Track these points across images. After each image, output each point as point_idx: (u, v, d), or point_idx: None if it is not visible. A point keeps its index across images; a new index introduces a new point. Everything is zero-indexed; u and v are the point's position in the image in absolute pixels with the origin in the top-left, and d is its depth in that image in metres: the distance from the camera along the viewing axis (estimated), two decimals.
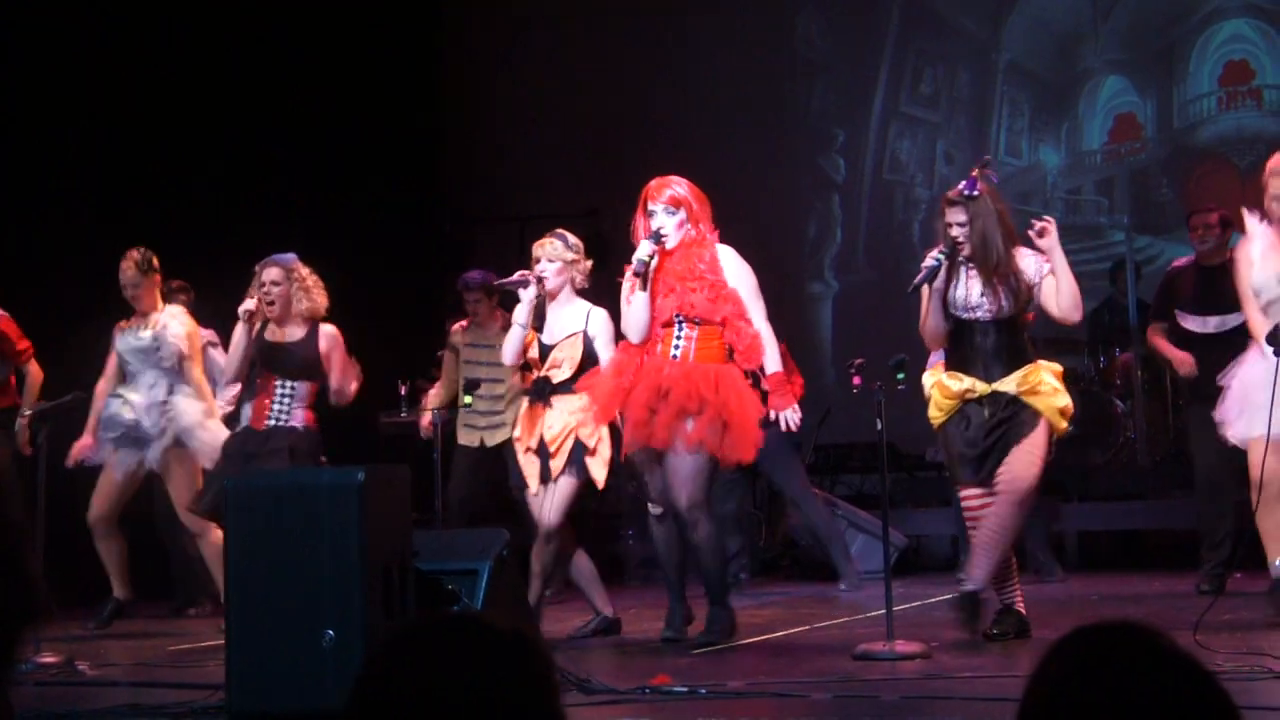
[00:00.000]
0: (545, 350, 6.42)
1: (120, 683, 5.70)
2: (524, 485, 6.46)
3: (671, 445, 6.09)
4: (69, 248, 9.24)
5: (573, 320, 6.42)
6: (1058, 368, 6.12)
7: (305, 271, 6.98)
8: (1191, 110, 11.71)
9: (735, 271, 6.22)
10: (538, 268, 6.44)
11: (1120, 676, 1.50)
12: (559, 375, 6.39)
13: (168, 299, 7.78)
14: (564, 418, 6.33)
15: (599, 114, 12.33)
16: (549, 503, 6.32)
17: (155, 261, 7.60)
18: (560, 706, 1.63)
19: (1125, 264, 10.53)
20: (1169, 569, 8.39)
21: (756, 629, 6.76)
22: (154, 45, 10.08)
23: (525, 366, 6.62)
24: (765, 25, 12.73)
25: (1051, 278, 5.92)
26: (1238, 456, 7.60)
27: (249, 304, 6.81)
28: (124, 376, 7.62)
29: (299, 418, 6.91)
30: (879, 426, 5.71)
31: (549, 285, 6.44)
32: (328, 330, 6.97)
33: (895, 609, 5.74)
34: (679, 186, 6.24)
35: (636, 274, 6.14)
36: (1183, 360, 7.59)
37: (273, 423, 6.86)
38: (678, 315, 6.17)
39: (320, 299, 6.98)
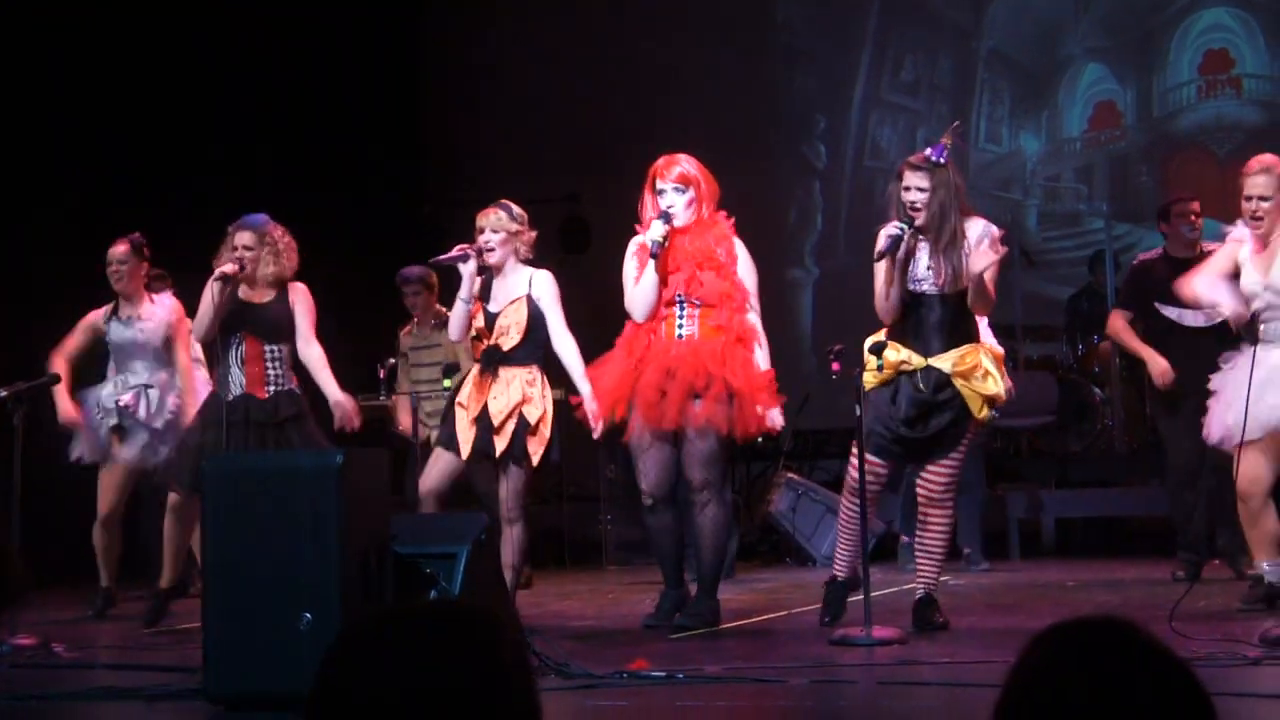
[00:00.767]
0: (491, 319, 6.28)
1: (96, 665, 5.69)
2: (454, 449, 6.29)
3: (682, 425, 6.08)
4: (40, 230, 9.19)
5: (517, 286, 6.29)
6: (999, 351, 6.05)
7: (279, 234, 6.81)
8: (1171, 98, 11.74)
9: (745, 265, 6.26)
10: (481, 239, 6.27)
11: (1099, 671, 1.51)
12: (507, 343, 6.27)
13: (147, 288, 7.74)
14: (509, 393, 6.20)
15: (579, 98, 12.31)
16: (505, 492, 6.22)
17: (146, 250, 7.56)
18: (534, 690, 1.61)
19: (1104, 253, 10.56)
20: (1146, 556, 8.42)
21: (735, 614, 6.77)
22: (127, 28, 10.03)
23: (475, 337, 6.49)
24: (747, 11, 12.72)
25: (982, 247, 5.77)
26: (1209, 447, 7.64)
27: (228, 267, 6.65)
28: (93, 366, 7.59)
29: (291, 381, 6.79)
30: (858, 412, 5.71)
31: (494, 258, 6.27)
32: (298, 287, 6.83)
33: (873, 594, 5.75)
34: (688, 165, 6.23)
35: (653, 255, 6.11)
36: (1162, 371, 7.50)
37: (273, 389, 6.74)
38: (680, 295, 6.15)
39: (290, 261, 6.84)
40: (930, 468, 5.95)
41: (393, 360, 8.72)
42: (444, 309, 6.92)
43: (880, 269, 5.86)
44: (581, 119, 12.15)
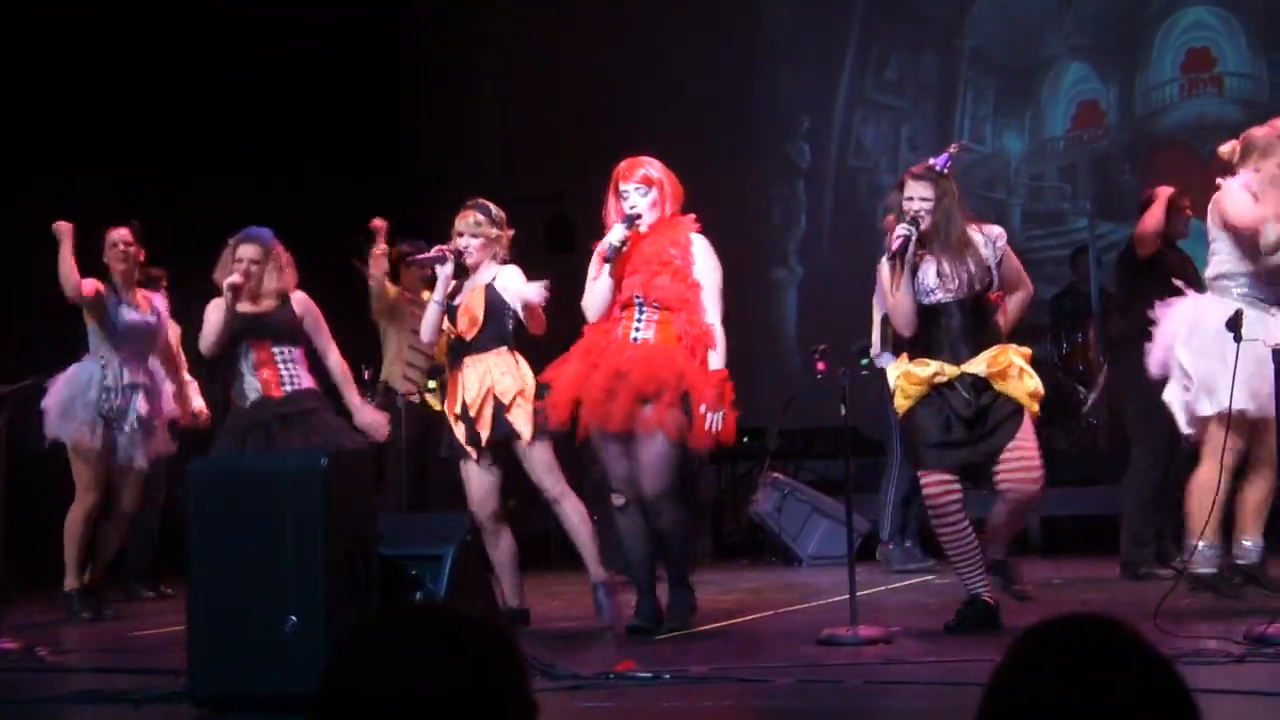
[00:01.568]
0: (453, 313, 6.28)
1: (81, 668, 5.66)
2: (462, 454, 6.29)
3: (628, 428, 6.03)
4: (24, 230, 9.15)
5: (480, 279, 6.30)
6: (1026, 350, 6.00)
7: (282, 250, 6.84)
8: (1154, 97, 11.77)
9: (704, 263, 6.12)
10: (460, 242, 6.25)
11: (1083, 669, 1.51)
12: (469, 332, 6.22)
13: (143, 284, 7.75)
14: (479, 379, 6.18)
15: (565, 98, 12.31)
16: (536, 475, 6.18)
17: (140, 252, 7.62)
18: (530, 692, 1.62)
19: (1085, 250, 10.59)
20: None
21: (721, 614, 6.77)
22: (113, 24, 10.00)
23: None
24: (732, 10, 12.73)
25: (1008, 257, 5.87)
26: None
27: (235, 278, 6.64)
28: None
29: (306, 379, 6.76)
30: (843, 412, 5.71)
31: (472, 261, 6.26)
32: (299, 296, 6.84)
33: (859, 594, 5.75)
34: (651, 167, 6.17)
35: (606, 259, 6.08)
36: None
37: (289, 388, 6.71)
38: (638, 297, 6.12)
39: (292, 278, 6.86)
40: (1005, 472, 5.81)
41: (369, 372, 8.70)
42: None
43: (886, 272, 5.82)
44: (567, 119, 12.15)
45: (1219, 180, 6.23)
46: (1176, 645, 4.94)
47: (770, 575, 9.01)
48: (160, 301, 7.70)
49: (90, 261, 7.67)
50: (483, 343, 6.23)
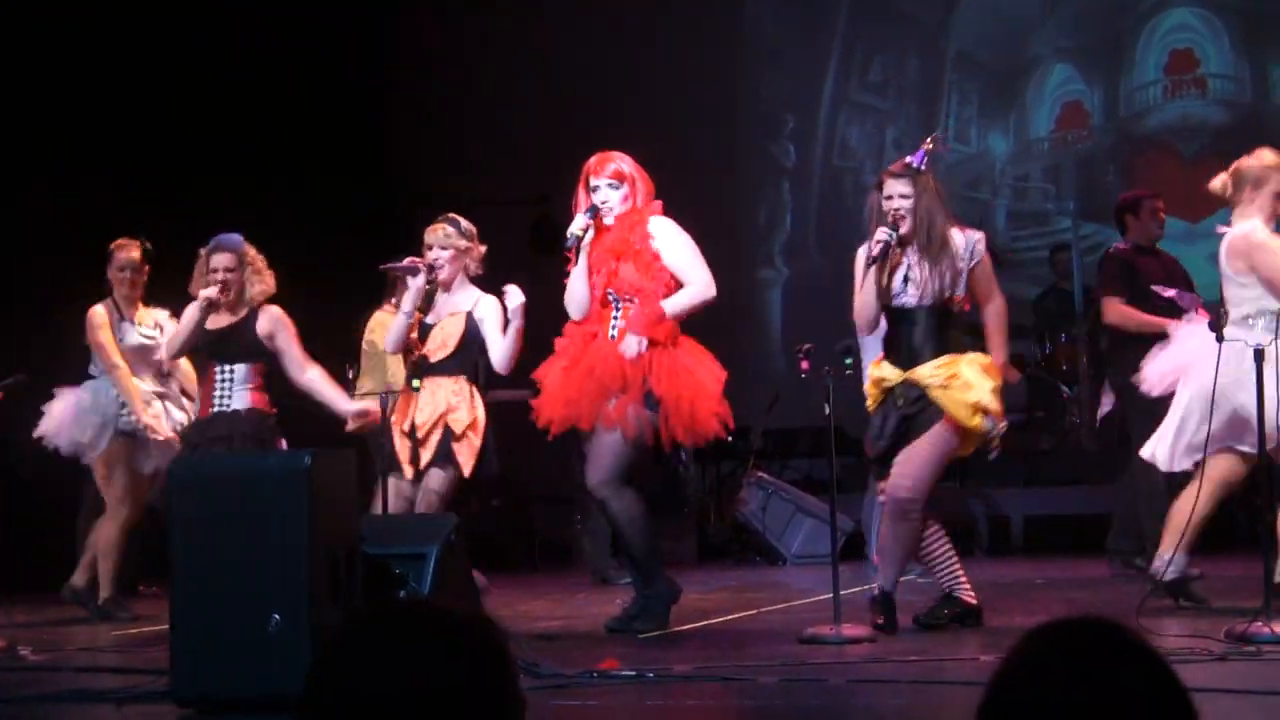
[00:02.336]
0: (426, 330, 6.26)
1: (64, 668, 5.65)
2: (395, 469, 6.22)
3: (595, 425, 6.03)
4: (23, 230, 9.14)
5: (461, 304, 6.29)
6: (985, 359, 5.86)
7: (254, 253, 6.80)
8: (1138, 98, 11.80)
9: (669, 241, 6.06)
10: (430, 255, 6.24)
11: (1085, 670, 1.51)
12: (437, 354, 6.23)
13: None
14: (434, 402, 6.17)
15: (550, 99, 12.30)
16: (422, 503, 6.16)
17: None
18: (519, 690, 1.63)
19: (1064, 248, 10.63)
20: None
21: (704, 613, 6.77)
22: (92, 26, 9.98)
23: (407, 349, 6.45)
24: (716, 10, 12.74)
25: (983, 265, 5.86)
26: None
27: (212, 292, 6.59)
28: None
29: (241, 400, 6.67)
30: (827, 411, 5.71)
31: (443, 275, 6.26)
32: (270, 314, 6.75)
33: (842, 593, 5.75)
34: (623, 162, 6.15)
35: (567, 249, 6.08)
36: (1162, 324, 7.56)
37: (215, 409, 6.69)
38: (610, 293, 6.10)
39: (270, 282, 6.82)
40: (898, 470, 5.81)
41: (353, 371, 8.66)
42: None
43: (862, 275, 5.78)
44: (552, 120, 12.14)
45: (1232, 229, 6.15)
46: (1158, 644, 4.95)
47: (754, 574, 9.02)
48: (163, 316, 7.62)
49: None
50: (447, 367, 6.24)
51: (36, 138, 9.56)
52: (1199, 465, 5.91)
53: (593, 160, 6.17)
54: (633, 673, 4.90)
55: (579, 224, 6.05)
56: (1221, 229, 6.25)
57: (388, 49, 12.99)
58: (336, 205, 11.34)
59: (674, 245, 6.07)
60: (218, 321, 6.72)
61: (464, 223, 6.35)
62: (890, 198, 5.76)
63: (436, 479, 6.17)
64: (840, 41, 12.46)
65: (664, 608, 6.19)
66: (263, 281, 6.74)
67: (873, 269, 5.74)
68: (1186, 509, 5.94)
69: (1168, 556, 6.02)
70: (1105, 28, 11.90)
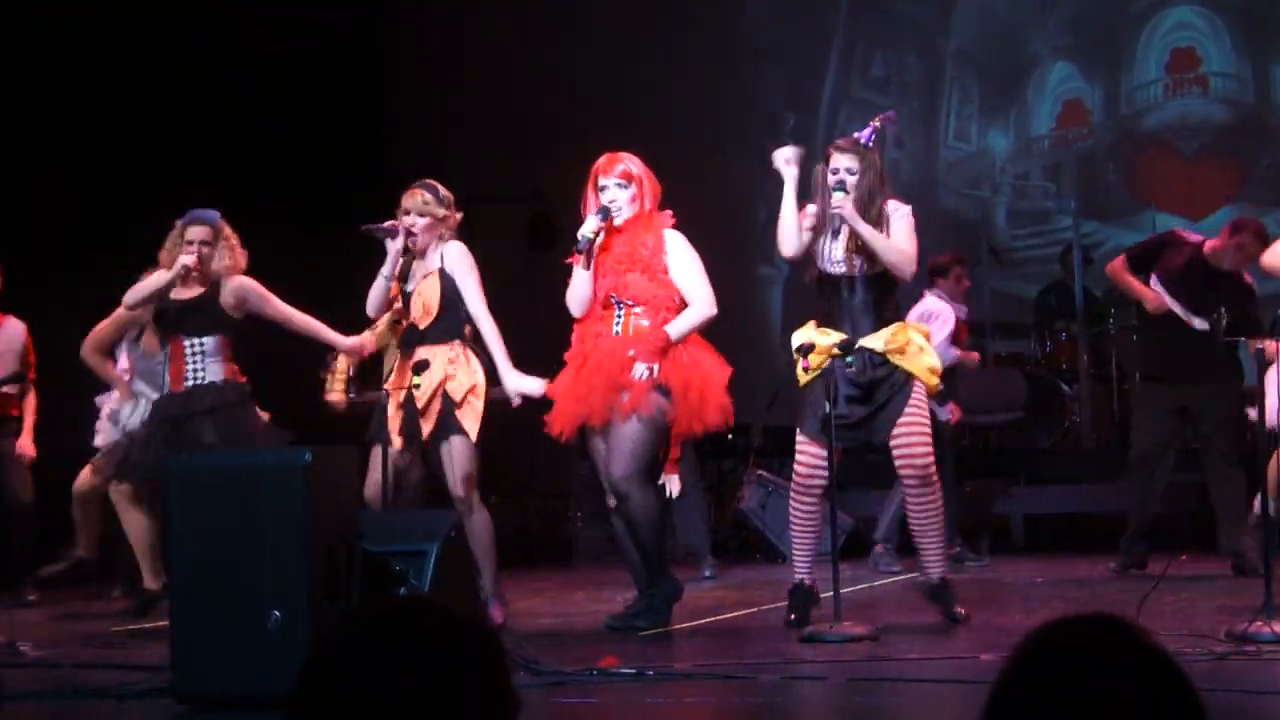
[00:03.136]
0: (408, 298, 6.23)
1: (63, 664, 5.64)
2: (385, 440, 6.13)
3: (609, 420, 6.02)
4: (23, 230, 9.13)
5: (431, 263, 6.23)
6: (925, 329, 6.16)
7: (229, 230, 6.77)
8: (1138, 97, 11.80)
9: (678, 256, 6.10)
10: (406, 220, 6.17)
11: (1092, 668, 1.51)
12: (424, 320, 6.16)
13: None
14: (431, 372, 6.09)
15: (546, 95, 12.29)
16: (453, 481, 6.10)
17: None
18: (514, 688, 1.62)
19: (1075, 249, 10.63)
20: (1113, 552, 8.43)
21: (705, 611, 6.77)
22: (83, 14, 9.97)
23: (396, 321, 6.41)
24: (716, 7, 12.73)
25: (897, 222, 5.89)
26: (1174, 439, 7.71)
27: (190, 259, 6.57)
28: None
29: (215, 372, 6.67)
30: (827, 409, 5.71)
31: (417, 242, 6.18)
32: (233, 284, 6.71)
33: (842, 591, 5.75)
34: (631, 163, 6.15)
35: (579, 250, 6.07)
36: (1154, 299, 7.59)
37: (190, 383, 6.65)
38: (613, 296, 6.09)
39: (240, 259, 6.80)
40: (898, 442, 5.88)
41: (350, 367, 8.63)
42: None
43: (786, 209, 5.91)
44: (549, 116, 12.13)
45: None
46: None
47: (754, 572, 9.01)
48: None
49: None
50: (438, 333, 6.15)
51: (36, 138, 9.55)
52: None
53: (601, 160, 6.17)
54: (633, 670, 4.90)
55: (591, 226, 6.04)
56: None
57: (383, 47, 12.98)
58: (332, 202, 11.34)
59: (683, 262, 6.10)
60: (182, 294, 6.70)
61: (442, 190, 6.27)
62: (836, 171, 5.89)
63: (452, 454, 6.06)
64: (841, 39, 12.46)
65: (667, 605, 6.20)
66: (233, 258, 6.73)
67: (789, 201, 5.88)
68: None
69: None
70: (1105, 26, 11.90)
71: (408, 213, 6.19)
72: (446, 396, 6.06)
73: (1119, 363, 9.76)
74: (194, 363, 6.66)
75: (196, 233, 6.67)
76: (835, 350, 5.82)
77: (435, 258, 6.21)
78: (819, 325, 5.97)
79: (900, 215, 5.92)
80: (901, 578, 8.12)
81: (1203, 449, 7.73)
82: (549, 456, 9.67)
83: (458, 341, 6.18)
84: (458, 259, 6.18)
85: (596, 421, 6.03)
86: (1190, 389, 7.54)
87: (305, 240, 10.49)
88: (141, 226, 7.64)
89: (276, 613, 4.38)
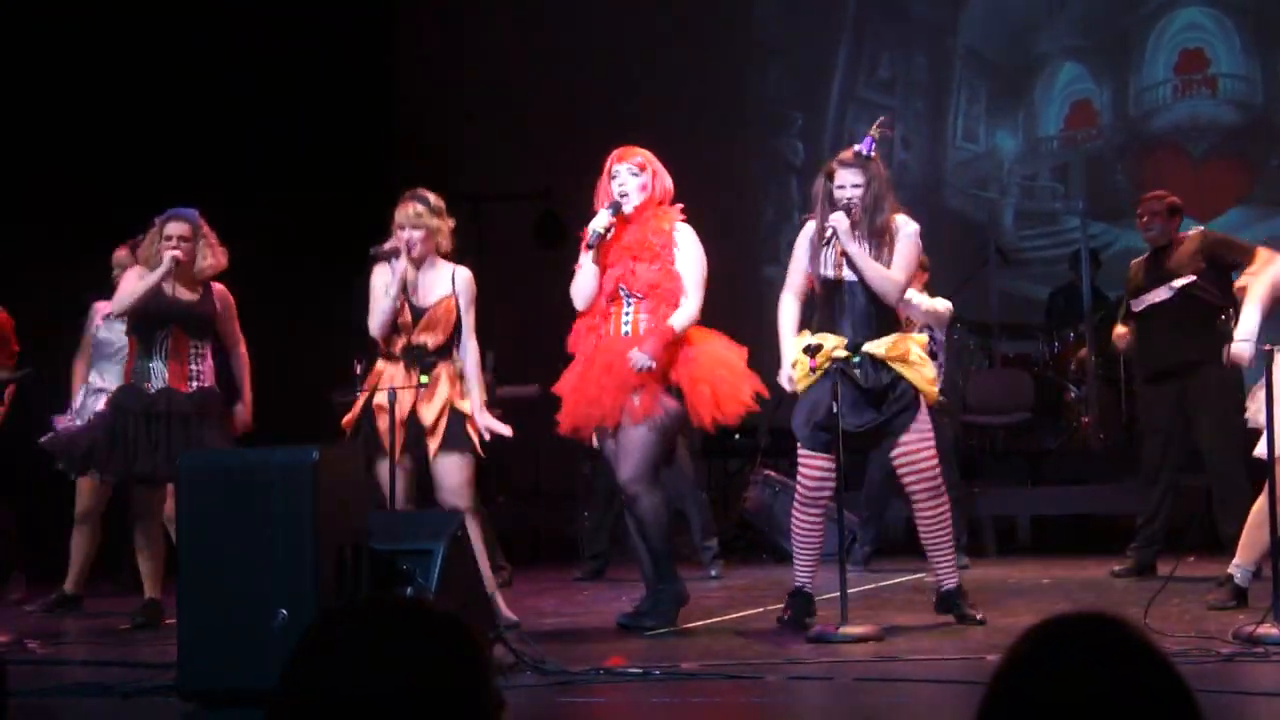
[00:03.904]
0: (418, 314, 6.18)
1: (71, 661, 5.65)
2: (380, 452, 6.08)
3: (620, 421, 6.02)
4: (23, 230, 9.14)
5: (440, 282, 6.19)
6: (923, 339, 6.13)
7: (208, 228, 6.78)
8: (1147, 98, 11.78)
9: (687, 252, 6.11)
10: (402, 234, 6.15)
11: (1086, 667, 1.51)
12: (433, 340, 6.16)
13: None
14: (438, 390, 6.09)
15: (553, 93, 12.30)
16: (449, 491, 6.06)
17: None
18: (496, 688, 1.61)
19: (1082, 252, 10.61)
20: (1120, 554, 8.43)
21: (710, 611, 6.77)
22: (89, 12, 9.97)
23: (395, 330, 6.39)
24: (724, 6, 12.73)
25: (900, 243, 5.88)
26: (1176, 442, 7.69)
27: (178, 252, 6.58)
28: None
29: (209, 376, 6.76)
30: (834, 409, 5.71)
31: (416, 253, 6.16)
32: (219, 288, 6.79)
33: (849, 591, 5.75)
34: (647, 156, 6.19)
35: (589, 245, 6.07)
36: (1118, 335, 7.68)
37: (195, 384, 6.69)
38: (622, 289, 6.09)
39: (221, 258, 6.81)
40: (903, 452, 5.88)
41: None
42: None
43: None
44: (556, 114, 12.14)
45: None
46: (1165, 644, 4.94)
47: (760, 572, 9.00)
48: None
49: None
50: (444, 353, 6.17)
51: (36, 136, 9.56)
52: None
53: (617, 150, 6.20)
54: (639, 670, 4.90)
55: (602, 221, 6.05)
56: None
57: (391, 45, 13.00)
58: (339, 199, 11.35)
59: (689, 259, 6.12)
60: (182, 294, 6.72)
61: (433, 199, 6.25)
62: (843, 186, 5.87)
63: (461, 466, 6.06)
64: (849, 39, 12.46)
65: (675, 607, 6.21)
66: (214, 256, 6.74)
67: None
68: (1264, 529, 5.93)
69: (1241, 566, 6.12)
70: (1114, 26, 11.89)
71: (401, 227, 6.17)
72: (454, 411, 6.06)
73: (1126, 363, 9.76)
74: (196, 365, 6.71)
75: (176, 229, 6.68)
76: (843, 351, 5.81)
77: (444, 279, 6.19)
78: (815, 331, 5.93)
79: (905, 237, 5.89)
80: (908, 578, 8.12)
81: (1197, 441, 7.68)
82: (555, 456, 9.67)
83: (454, 352, 6.18)
84: (465, 287, 6.19)
85: (610, 423, 6.04)
86: (1181, 384, 7.53)
87: (313, 241, 10.50)
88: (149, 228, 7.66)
89: (283, 611, 4.38)
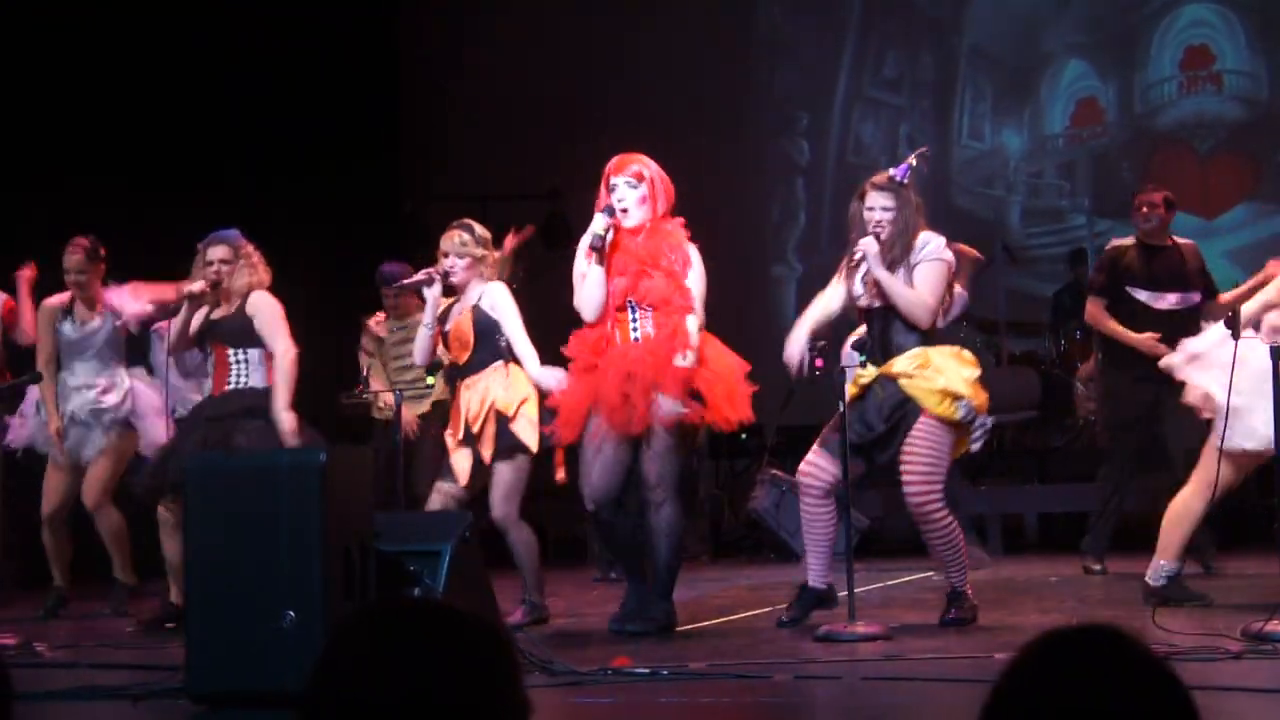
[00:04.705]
0: (446, 337, 6.30)
1: (79, 664, 5.66)
2: (449, 480, 6.23)
3: (650, 425, 6.02)
4: (23, 230, 9.15)
5: (469, 303, 6.29)
6: (954, 349, 6.00)
7: (251, 248, 6.83)
8: (1152, 95, 11.77)
9: (696, 273, 6.14)
10: (445, 262, 6.23)
11: (1088, 679, 1.50)
12: (463, 355, 6.22)
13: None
14: (479, 397, 6.15)
15: (561, 94, 12.30)
16: (494, 495, 6.16)
17: (103, 252, 7.51)
18: (524, 691, 1.61)
19: (1083, 250, 10.61)
20: (1127, 551, 8.42)
21: (718, 611, 6.77)
22: (99, 18, 9.99)
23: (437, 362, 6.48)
24: (729, 6, 12.72)
25: (922, 267, 5.87)
26: (1146, 437, 7.72)
27: (194, 286, 6.66)
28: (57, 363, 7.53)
29: (259, 379, 6.73)
30: (841, 409, 5.71)
31: (456, 279, 6.23)
32: (254, 299, 6.77)
33: (856, 590, 5.75)
34: (644, 165, 6.16)
35: (593, 248, 6.07)
36: (1151, 345, 7.50)
37: (232, 386, 6.74)
38: (630, 300, 6.09)
39: (264, 274, 6.84)
40: (904, 459, 5.87)
41: (367, 365, 8.61)
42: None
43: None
44: (563, 115, 12.14)
45: None
46: (1174, 642, 4.95)
47: (768, 572, 9.00)
48: (118, 297, 7.65)
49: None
50: (476, 364, 6.23)
51: (36, 138, 9.57)
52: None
53: (613, 161, 6.18)
54: (647, 670, 4.91)
55: (600, 224, 6.05)
56: None
57: (397, 44, 13.00)
58: (346, 200, 11.35)
59: (696, 279, 6.15)
60: (218, 313, 6.78)
61: (479, 229, 6.34)
62: (873, 209, 5.87)
63: (507, 471, 6.15)
64: (854, 37, 12.45)
65: (669, 621, 6.16)
66: (255, 274, 6.78)
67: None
68: (1182, 524, 6.02)
69: (1161, 564, 6.20)
70: (1119, 23, 11.87)
71: (445, 255, 6.25)
72: (498, 414, 6.09)
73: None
74: (237, 370, 6.74)
75: (216, 253, 6.75)
76: (860, 379, 5.85)
77: (474, 295, 6.25)
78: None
79: (931, 255, 5.87)
80: (916, 577, 8.12)
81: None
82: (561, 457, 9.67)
83: (499, 363, 6.22)
84: (499, 299, 6.24)
85: (638, 428, 6.03)
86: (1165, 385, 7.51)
87: (320, 239, 10.50)
88: (156, 230, 7.68)
89: (291, 613, 4.39)
